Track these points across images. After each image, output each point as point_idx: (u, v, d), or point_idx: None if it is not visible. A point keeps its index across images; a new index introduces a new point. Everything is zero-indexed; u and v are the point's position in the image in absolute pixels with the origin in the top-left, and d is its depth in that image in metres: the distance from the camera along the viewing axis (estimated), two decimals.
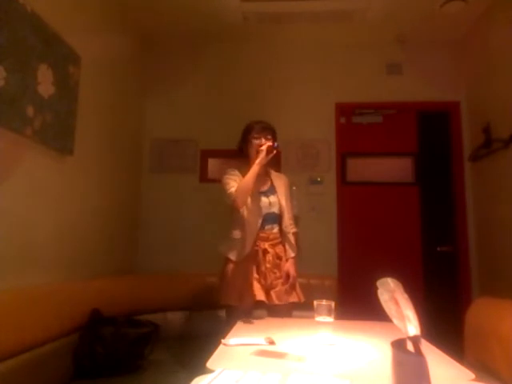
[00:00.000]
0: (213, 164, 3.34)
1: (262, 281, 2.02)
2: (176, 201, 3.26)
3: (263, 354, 1.26)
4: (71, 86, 2.18)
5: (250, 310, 1.98)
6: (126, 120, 3.08)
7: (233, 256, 2.07)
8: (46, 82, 1.93)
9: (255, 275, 2.02)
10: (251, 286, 1.98)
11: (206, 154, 3.33)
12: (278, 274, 2.06)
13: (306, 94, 3.33)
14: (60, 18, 2.08)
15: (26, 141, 1.83)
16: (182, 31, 3.28)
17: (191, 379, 0.98)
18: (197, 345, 2.06)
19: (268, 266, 2.04)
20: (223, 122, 3.29)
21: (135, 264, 3.14)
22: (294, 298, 2.06)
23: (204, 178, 3.30)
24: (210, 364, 1.13)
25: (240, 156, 2.19)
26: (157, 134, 3.38)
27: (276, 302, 2.00)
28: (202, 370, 1.07)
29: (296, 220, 3.10)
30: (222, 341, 1.38)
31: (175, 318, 2.57)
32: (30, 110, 1.81)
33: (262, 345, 1.35)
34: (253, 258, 2.05)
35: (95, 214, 2.54)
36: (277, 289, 2.03)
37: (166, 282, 2.65)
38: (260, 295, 1.96)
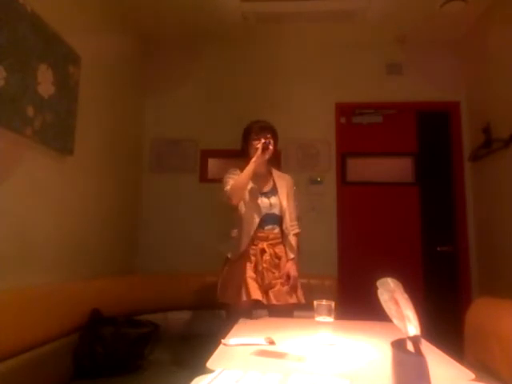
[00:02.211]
0: (213, 164, 3.34)
1: (259, 280, 2.02)
2: (176, 201, 3.26)
3: (263, 353, 1.26)
4: (71, 86, 2.18)
5: (249, 310, 1.98)
6: (126, 120, 3.08)
7: (230, 254, 2.10)
8: (46, 82, 1.93)
9: (252, 274, 2.02)
10: (246, 284, 1.98)
11: (206, 154, 3.33)
12: (276, 274, 2.06)
13: (306, 94, 3.33)
14: (60, 18, 2.08)
15: (26, 141, 1.83)
16: (181, 31, 3.28)
17: (191, 379, 0.98)
18: (197, 345, 2.06)
19: (265, 265, 2.04)
20: (223, 122, 3.30)
21: (135, 264, 3.13)
22: (293, 300, 2.05)
23: (204, 178, 3.30)
24: (210, 364, 1.13)
25: (243, 156, 2.19)
26: (157, 134, 3.37)
27: (274, 302, 2.00)
28: (202, 369, 1.07)
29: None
30: (222, 341, 1.38)
31: (175, 318, 2.57)
32: (30, 110, 1.81)
33: (262, 345, 1.35)
34: (249, 257, 2.06)
35: (95, 214, 2.54)
36: (275, 289, 2.03)
37: (166, 282, 2.65)
38: (256, 294, 1.96)
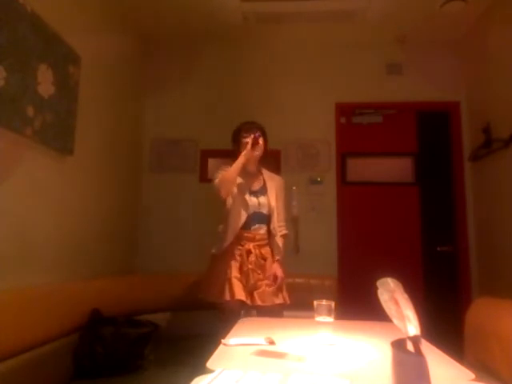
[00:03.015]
0: (213, 164, 3.34)
1: (244, 281, 2.02)
2: (176, 201, 3.26)
3: (263, 353, 1.26)
4: (71, 86, 2.18)
5: (239, 310, 1.97)
6: (126, 120, 3.08)
7: (214, 249, 2.12)
8: (46, 82, 1.93)
9: (237, 274, 2.02)
10: (231, 284, 1.98)
11: (206, 154, 3.33)
12: (261, 275, 2.07)
13: (305, 94, 3.33)
14: (60, 18, 2.08)
15: (26, 141, 1.83)
16: (181, 31, 3.28)
17: (191, 379, 0.98)
18: (197, 345, 2.05)
19: (250, 266, 2.05)
20: (223, 122, 3.28)
21: (135, 264, 3.13)
22: (279, 300, 2.06)
23: (204, 177, 3.30)
24: (210, 364, 1.13)
25: (234, 157, 2.21)
26: (157, 134, 3.37)
27: (259, 303, 2.00)
28: (202, 369, 1.07)
29: (295, 220, 3.11)
30: (222, 341, 1.37)
31: (175, 318, 2.57)
32: (30, 110, 1.81)
33: (262, 345, 1.35)
34: (234, 257, 2.06)
35: (95, 214, 2.54)
36: (260, 290, 2.03)
37: (166, 282, 2.65)
38: (240, 295, 1.96)
